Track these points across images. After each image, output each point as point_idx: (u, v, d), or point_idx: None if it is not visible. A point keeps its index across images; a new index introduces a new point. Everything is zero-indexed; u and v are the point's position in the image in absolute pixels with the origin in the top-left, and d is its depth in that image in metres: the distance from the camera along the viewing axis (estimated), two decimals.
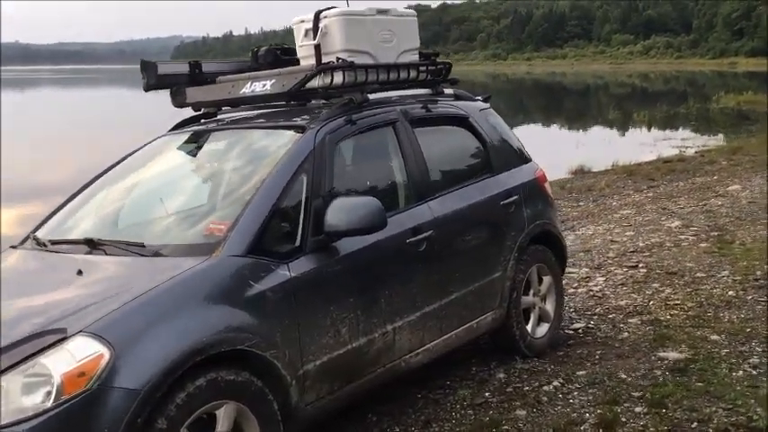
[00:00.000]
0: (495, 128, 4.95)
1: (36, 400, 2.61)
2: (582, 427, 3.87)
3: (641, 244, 7.58)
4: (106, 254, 3.39)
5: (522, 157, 5.06)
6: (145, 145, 4.36)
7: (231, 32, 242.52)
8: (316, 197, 3.54)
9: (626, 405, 4.09)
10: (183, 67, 4.43)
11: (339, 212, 3.47)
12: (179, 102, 4.40)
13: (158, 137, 4.40)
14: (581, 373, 4.58)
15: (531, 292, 4.94)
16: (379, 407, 4.20)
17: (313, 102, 4.21)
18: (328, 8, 4.19)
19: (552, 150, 15.36)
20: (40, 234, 3.84)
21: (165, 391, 2.77)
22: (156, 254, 3.28)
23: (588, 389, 4.34)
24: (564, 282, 5.43)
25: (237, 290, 3.13)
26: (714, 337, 4.97)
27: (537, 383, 4.46)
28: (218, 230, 3.35)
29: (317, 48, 4.13)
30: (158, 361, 2.76)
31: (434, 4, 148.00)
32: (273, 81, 4.05)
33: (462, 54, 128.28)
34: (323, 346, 3.43)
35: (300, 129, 3.79)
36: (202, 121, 4.46)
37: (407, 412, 4.17)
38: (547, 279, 5.06)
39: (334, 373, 3.50)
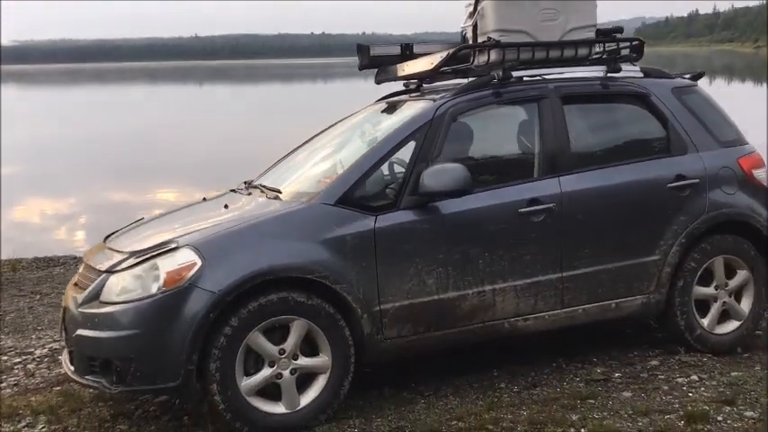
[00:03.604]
0: (688, 108, 4.70)
1: (150, 288, 3.66)
2: (667, 417, 3.71)
3: None
4: (256, 195, 4.34)
5: (720, 141, 4.72)
6: (356, 112, 5.17)
7: (697, 11, 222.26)
8: (421, 162, 4.01)
9: (740, 407, 3.76)
10: (394, 49, 5.13)
11: (432, 176, 3.91)
12: (377, 80, 5.12)
13: (367, 106, 5.17)
14: (736, 374, 4.25)
15: (714, 284, 4.63)
16: (511, 366, 4.46)
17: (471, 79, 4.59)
18: None
19: None
20: (255, 180, 4.93)
21: (237, 298, 3.60)
22: (276, 197, 4.13)
23: (722, 388, 4.04)
24: None
25: (318, 231, 3.80)
26: None
27: (676, 375, 4.27)
28: (324, 183, 4.06)
29: (474, 28, 4.52)
30: (233, 274, 3.61)
31: None
32: (426, 61, 4.55)
33: None
34: (405, 291, 3.92)
35: (432, 101, 4.26)
36: (407, 94, 5.09)
37: (528, 374, 4.36)
38: (742, 273, 4.67)
39: (418, 317, 3.96)
